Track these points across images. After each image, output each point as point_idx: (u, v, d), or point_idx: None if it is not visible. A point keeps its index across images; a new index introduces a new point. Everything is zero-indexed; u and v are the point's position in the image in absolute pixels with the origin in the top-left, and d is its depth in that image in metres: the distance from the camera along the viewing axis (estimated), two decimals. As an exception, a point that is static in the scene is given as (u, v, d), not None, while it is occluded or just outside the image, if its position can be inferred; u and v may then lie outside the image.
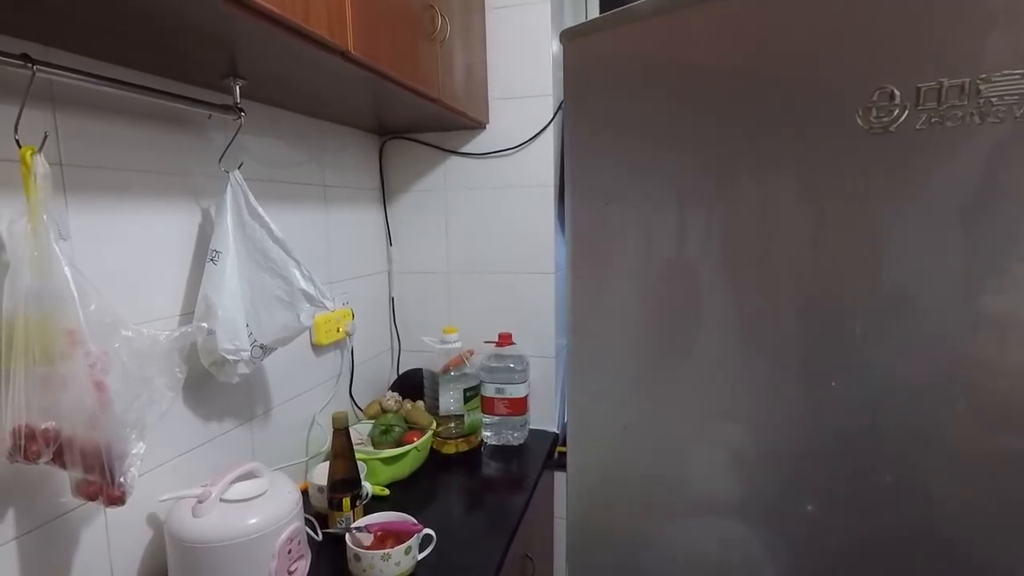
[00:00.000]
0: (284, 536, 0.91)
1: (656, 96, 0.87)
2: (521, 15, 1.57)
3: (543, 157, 1.62)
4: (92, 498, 0.72)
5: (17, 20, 0.69)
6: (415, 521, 1.04)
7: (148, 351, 0.76)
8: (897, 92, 0.68)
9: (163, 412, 0.77)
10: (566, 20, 1.77)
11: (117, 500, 0.71)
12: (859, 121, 0.70)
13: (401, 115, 1.50)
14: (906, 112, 0.68)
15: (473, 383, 1.54)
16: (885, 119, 0.69)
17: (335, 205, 1.49)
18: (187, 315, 1.01)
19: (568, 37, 0.95)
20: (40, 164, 0.67)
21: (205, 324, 0.91)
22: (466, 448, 1.53)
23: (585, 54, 0.93)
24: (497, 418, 1.59)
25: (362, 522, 1.05)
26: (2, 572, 0.74)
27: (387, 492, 1.29)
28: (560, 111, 1.64)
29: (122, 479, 0.71)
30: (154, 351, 0.77)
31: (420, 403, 1.55)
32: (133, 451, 0.73)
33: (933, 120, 0.66)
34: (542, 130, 1.60)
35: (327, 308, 1.04)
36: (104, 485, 0.71)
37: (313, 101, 1.27)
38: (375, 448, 1.40)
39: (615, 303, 0.95)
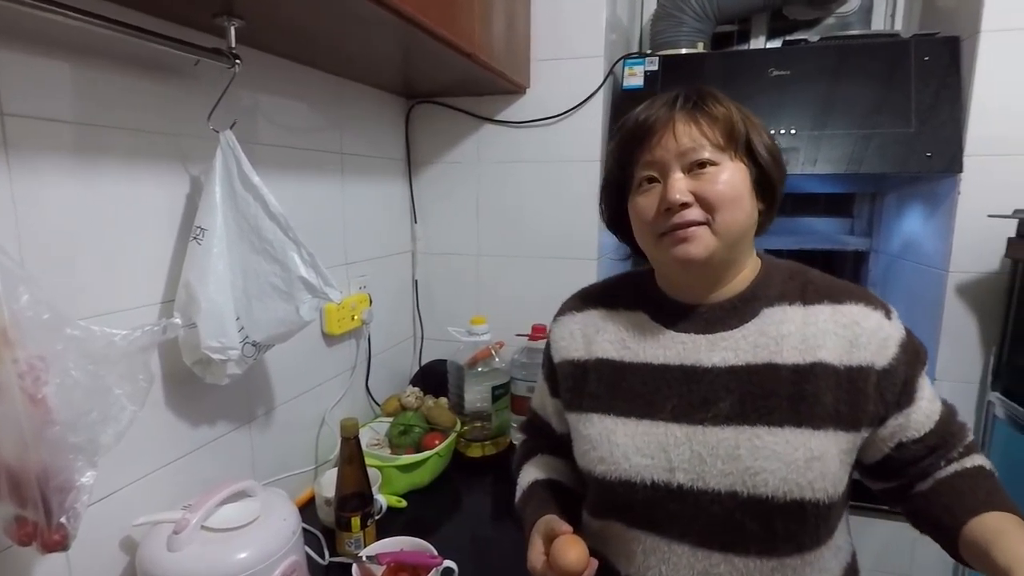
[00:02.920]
0: (278, 573, 0.76)
1: None
2: (572, -38, 1.36)
3: (590, 128, 1.42)
4: (25, 543, 0.57)
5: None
6: (434, 551, 0.88)
7: (103, 354, 0.60)
8: None
9: (122, 431, 0.61)
10: (620, -31, 1.54)
11: (56, 546, 0.56)
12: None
13: (430, 75, 1.31)
14: None
15: (503, 380, 1.37)
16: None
17: (353, 176, 1.32)
18: (169, 304, 0.85)
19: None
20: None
21: (178, 319, 0.75)
22: (493, 451, 1.37)
23: None
24: (528, 420, 1.42)
25: (374, 549, 0.89)
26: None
27: (404, 504, 1.14)
28: (611, 75, 1.43)
29: (64, 519, 0.56)
30: (111, 354, 0.61)
31: (443, 400, 1.39)
32: (81, 481, 0.58)
33: None
34: (590, 96, 1.40)
35: (331, 299, 0.87)
36: (40, 526, 0.55)
37: (330, 54, 1.09)
38: (392, 450, 1.25)
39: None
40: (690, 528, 0.65)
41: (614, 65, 1.44)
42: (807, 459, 0.61)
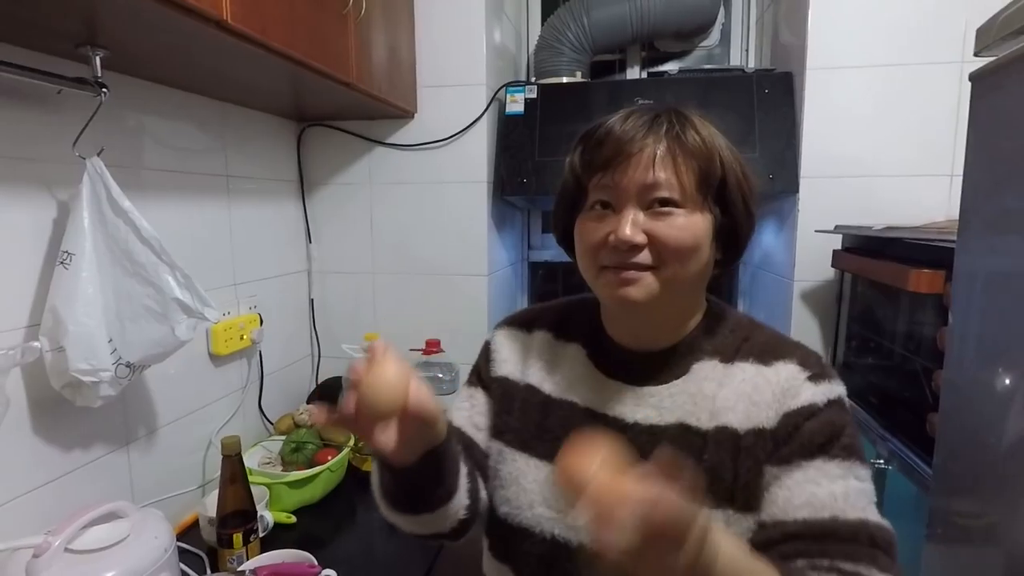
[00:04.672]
0: (148, 590, 0.77)
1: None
2: (453, -4, 1.45)
3: (476, 152, 1.51)
4: None
5: None
6: (313, 561, 0.92)
7: (-47, 379, 0.61)
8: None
9: (-26, 454, 0.62)
10: (504, 3, 1.66)
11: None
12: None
13: (317, 100, 1.36)
14: None
15: (398, 393, 1.42)
16: None
17: (241, 198, 1.34)
18: (35, 327, 0.84)
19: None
20: None
21: (42, 342, 0.75)
22: (390, 464, 1.40)
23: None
24: (424, 431, 1.47)
25: (252, 564, 0.92)
26: None
27: (293, 519, 1.16)
28: (495, 101, 1.54)
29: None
30: (-38, 379, 0.62)
31: (339, 416, 1.41)
32: (-73, 506, 0.58)
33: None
34: (474, 122, 1.49)
35: (208, 319, 0.90)
36: None
37: (210, 80, 1.12)
38: (284, 467, 1.26)
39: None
40: None
41: (497, 92, 1.54)
42: None
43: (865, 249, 1.27)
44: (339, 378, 1.53)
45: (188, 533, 1.10)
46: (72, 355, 0.79)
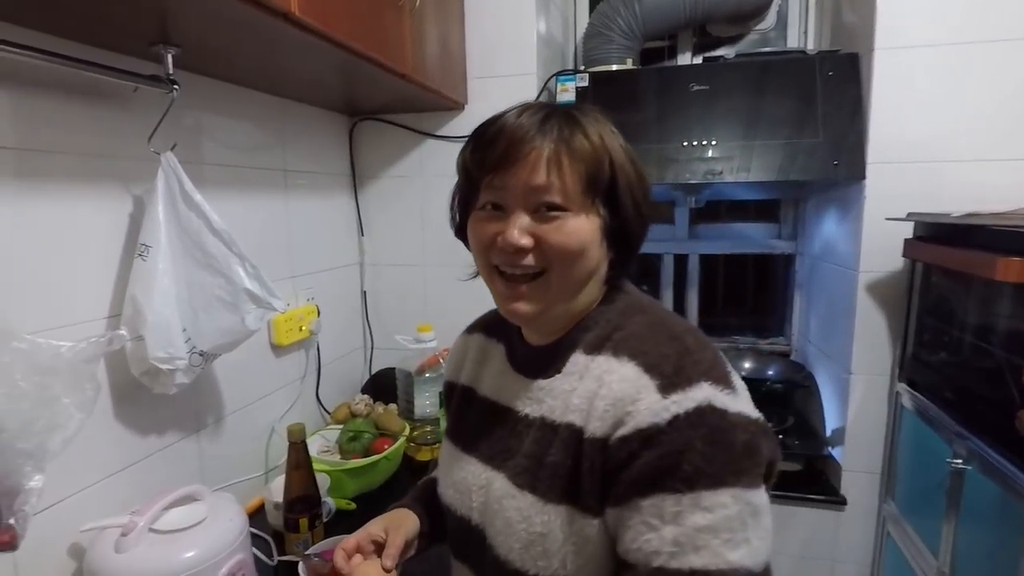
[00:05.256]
0: (224, 571, 0.80)
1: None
2: (503, -15, 1.44)
3: (527, 141, 1.49)
4: (-27, 544, 0.60)
5: None
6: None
7: (50, 366, 0.64)
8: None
9: (70, 437, 0.65)
10: (552, -8, 1.64)
11: (4, 546, 0.60)
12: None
13: (370, 94, 1.37)
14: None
15: (450, 385, 1.43)
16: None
17: (298, 192, 1.36)
18: (116, 317, 0.88)
19: None
20: None
21: (126, 331, 0.78)
22: (443, 454, 1.42)
23: None
24: (476, 422, 1.48)
25: (319, 547, 0.94)
26: None
27: (353, 506, 1.18)
28: (545, 91, 1.52)
29: (12, 520, 0.60)
30: (58, 365, 0.65)
31: (393, 407, 1.44)
32: (29, 485, 0.62)
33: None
34: (525, 111, 1.47)
35: (276, 309, 0.92)
36: (-12, 528, 0.59)
37: (270, 76, 1.14)
38: (343, 456, 1.29)
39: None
40: (482, 567, 0.64)
41: (547, 81, 1.53)
42: (529, 533, 0.57)
43: (941, 237, 1.20)
44: (392, 369, 1.55)
45: (253, 517, 1.14)
46: (151, 343, 0.83)
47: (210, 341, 0.89)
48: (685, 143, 1.44)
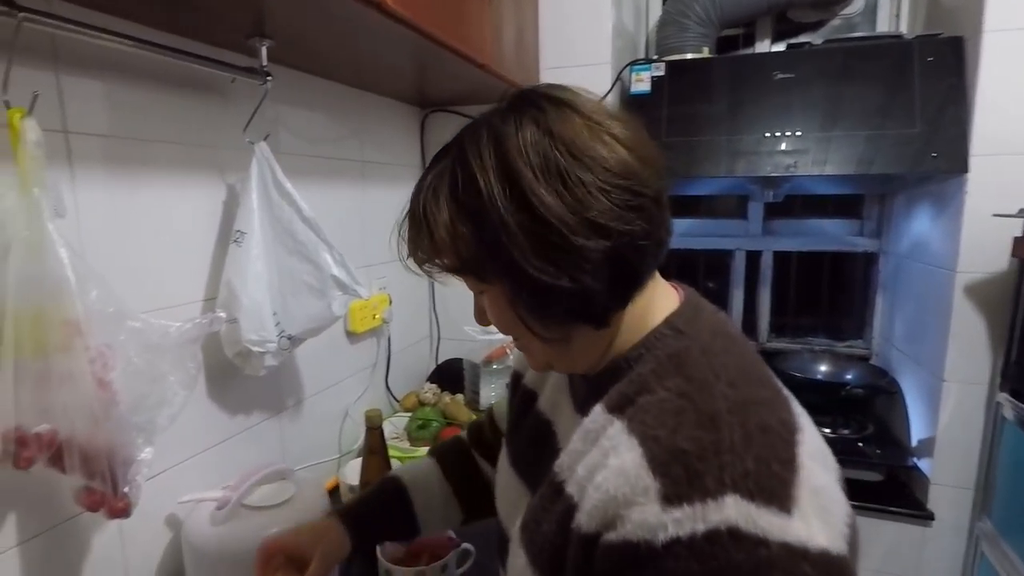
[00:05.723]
0: (309, 548, 0.82)
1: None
2: (579, -27, 1.42)
3: (599, 132, 1.47)
4: (94, 509, 0.64)
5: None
6: (452, 534, 0.94)
7: (158, 344, 0.67)
8: None
9: (175, 413, 0.68)
10: (628, -20, 1.60)
11: (120, 512, 0.64)
12: None
13: (444, 85, 1.38)
14: None
15: (517, 377, 1.43)
16: None
17: (372, 182, 1.39)
18: (211, 300, 0.92)
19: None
20: (31, 129, 0.58)
21: (223, 313, 0.82)
22: (508, 445, 1.42)
23: None
24: (542, 415, 1.47)
25: (395, 531, 0.95)
26: (4, 581, 0.67)
27: (423, 493, 1.20)
28: (619, 81, 1.49)
29: (126, 489, 0.63)
30: (165, 344, 0.68)
31: (459, 396, 1.45)
32: (140, 457, 0.65)
33: None
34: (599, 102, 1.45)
35: (361, 296, 0.94)
36: (107, 495, 0.63)
37: (350, 67, 1.16)
38: (411, 443, 1.31)
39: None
40: None
41: (621, 71, 1.49)
42: None
43: (1057, 236, 1.10)
44: (457, 359, 1.56)
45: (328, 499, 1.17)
46: (244, 326, 0.86)
47: (299, 326, 0.92)
48: (767, 134, 1.38)
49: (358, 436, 1.31)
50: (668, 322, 0.51)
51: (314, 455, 1.20)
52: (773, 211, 1.85)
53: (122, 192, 0.80)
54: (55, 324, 0.59)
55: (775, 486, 0.38)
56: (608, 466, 0.44)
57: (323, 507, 0.87)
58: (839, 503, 0.41)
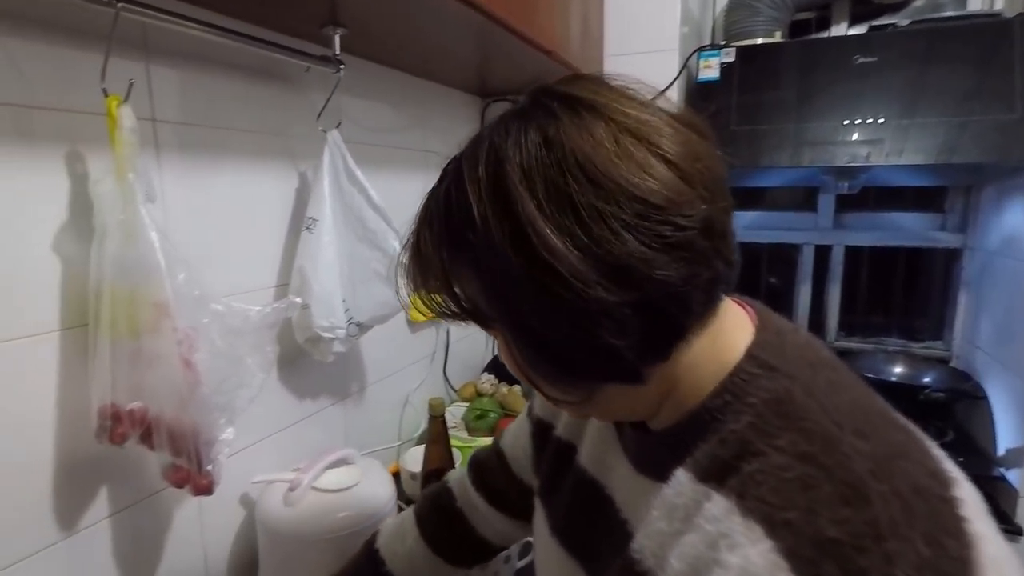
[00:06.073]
0: (377, 533, 0.83)
1: None
2: (647, -44, 1.38)
3: (664, 121, 1.42)
4: (180, 485, 0.66)
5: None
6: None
7: (239, 328, 0.69)
8: None
9: (254, 395, 0.70)
10: (696, -38, 1.54)
11: (205, 489, 0.65)
12: None
13: (507, 73, 1.36)
14: None
15: (574, 370, 1.41)
16: None
17: (434, 172, 1.37)
18: (282, 287, 0.94)
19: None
20: (127, 116, 0.60)
21: (299, 299, 0.83)
22: (564, 439, 1.41)
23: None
24: (599, 409, 1.45)
25: (457, 520, 0.95)
26: (97, 550, 0.71)
27: (482, 483, 1.20)
28: (685, 68, 1.44)
29: (210, 467, 0.65)
30: (245, 328, 0.69)
31: (516, 388, 1.44)
32: (222, 437, 0.67)
33: None
34: (664, 90, 1.40)
35: (427, 285, 0.94)
36: (192, 472, 0.64)
37: (417, 55, 1.16)
38: (470, 433, 1.31)
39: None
40: None
41: (688, 58, 1.44)
42: None
43: None
44: (514, 351, 1.55)
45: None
46: (316, 312, 0.87)
47: (367, 313, 0.93)
48: (845, 122, 1.31)
49: (418, 424, 1.32)
50: (751, 356, 0.39)
51: (376, 441, 1.22)
52: (845, 203, 1.76)
53: (201, 178, 0.82)
54: (146, 305, 0.61)
55: (956, 571, 0.29)
56: (725, 564, 0.33)
57: (389, 492, 0.88)
58: (1018, 570, 0.32)
